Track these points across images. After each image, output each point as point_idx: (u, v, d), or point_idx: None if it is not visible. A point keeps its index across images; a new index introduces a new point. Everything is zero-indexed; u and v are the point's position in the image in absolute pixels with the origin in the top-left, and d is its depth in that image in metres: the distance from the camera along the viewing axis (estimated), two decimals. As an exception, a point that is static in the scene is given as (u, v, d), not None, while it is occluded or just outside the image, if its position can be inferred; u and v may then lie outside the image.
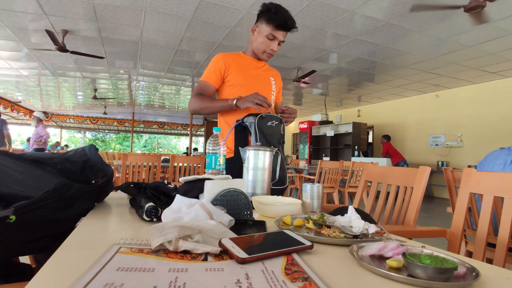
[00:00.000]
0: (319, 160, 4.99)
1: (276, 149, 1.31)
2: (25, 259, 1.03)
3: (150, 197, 0.90)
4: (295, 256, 0.57)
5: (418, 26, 4.07)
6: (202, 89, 1.53)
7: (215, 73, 1.52)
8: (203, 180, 0.94)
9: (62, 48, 4.58)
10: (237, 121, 1.45)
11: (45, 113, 13.19)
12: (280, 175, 1.37)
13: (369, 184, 1.56)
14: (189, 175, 3.39)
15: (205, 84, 1.53)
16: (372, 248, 0.59)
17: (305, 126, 10.83)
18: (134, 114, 13.18)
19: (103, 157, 9.92)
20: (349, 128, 9.19)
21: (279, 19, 1.41)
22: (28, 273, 0.83)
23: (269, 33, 1.44)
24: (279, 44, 1.50)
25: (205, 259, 0.53)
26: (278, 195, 1.36)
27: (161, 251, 0.56)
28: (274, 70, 1.73)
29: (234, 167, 1.42)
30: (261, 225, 0.80)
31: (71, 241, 0.62)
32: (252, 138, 1.39)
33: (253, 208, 0.99)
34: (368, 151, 9.23)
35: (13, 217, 0.60)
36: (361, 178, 1.59)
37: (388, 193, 1.46)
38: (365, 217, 1.10)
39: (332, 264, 0.57)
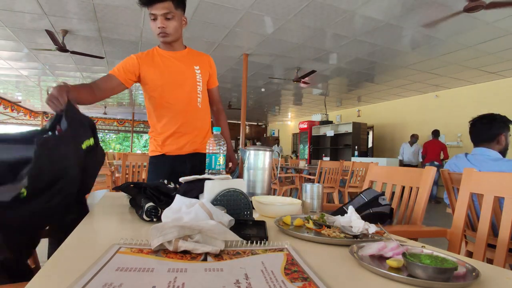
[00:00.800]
0: (319, 160, 4.99)
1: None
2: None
3: (150, 197, 0.90)
4: (295, 255, 0.57)
5: (418, 26, 4.07)
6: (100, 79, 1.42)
7: (124, 69, 1.43)
8: (203, 180, 0.94)
9: (62, 48, 4.57)
10: None
11: (45, 113, 13.20)
12: None
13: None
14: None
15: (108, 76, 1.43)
16: (372, 248, 0.59)
17: (305, 126, 10.83)
18: (134, 114, 13.17)
19: (103, 157, 9.91)
20: (349, 128, 9.19)
21: None
22: (28, 273, 0.83)
23: (149, 15, 1.35)
24: (168, 19, 1.35)
25: (205, 259, 0.53)
26: None
27: (161, 251, 0.56)
28: (199, 56, 1.58)
29: None
30: (261, 225, 0.79)
31: (71, 241, 0.62)
32: None
33: (253, 208, 0.98)
34: (368, 151, 9.24)
35: (24, 191, 0.58)
36: (366, 178, 1.59)
37: (393, 193, 1.46)
38: (374, 200, 1.10)
39: (332, 264, 0.56)
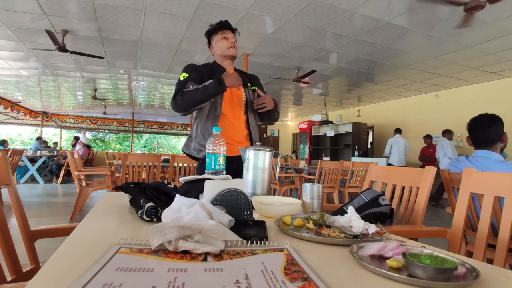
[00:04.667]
0: (319, 160, 4.99)
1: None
2: (25, 259, 1.03)
3: (150, 197, 0.90)
4: (295, 255, 0.57)
5: (418, 26, 4.07)
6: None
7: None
8: (203, 180, 0.93)
9: (62, 48, 4.57)
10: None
11: (45, 113, 13.20)
12: None
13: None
14: (189, 175, 3.38)
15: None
16: (372, 248, 0.59)
17: (305, 126, 10.82)
18: (134, 114, 13.17)
19: (103, 157, 9.85)
20: (349, 128, 9.18)
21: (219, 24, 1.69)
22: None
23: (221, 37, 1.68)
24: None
25: (205, 259, 0.53)
26: None
27: (161, 251, 0.56)
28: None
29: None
30: (261, 225, 0.79)
31: (71, 241, 0.62)
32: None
33: (253, 208, 0.98)
34: (368, 151, 9.23)
35: None
36: (366, 178, 1.60)
37: (393, 194, 1.46)
38: (375, 201, 1.10)
39: (332, 264, 0.56)
